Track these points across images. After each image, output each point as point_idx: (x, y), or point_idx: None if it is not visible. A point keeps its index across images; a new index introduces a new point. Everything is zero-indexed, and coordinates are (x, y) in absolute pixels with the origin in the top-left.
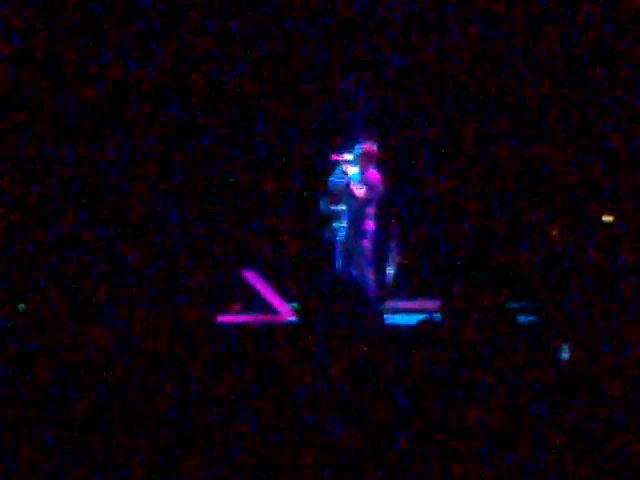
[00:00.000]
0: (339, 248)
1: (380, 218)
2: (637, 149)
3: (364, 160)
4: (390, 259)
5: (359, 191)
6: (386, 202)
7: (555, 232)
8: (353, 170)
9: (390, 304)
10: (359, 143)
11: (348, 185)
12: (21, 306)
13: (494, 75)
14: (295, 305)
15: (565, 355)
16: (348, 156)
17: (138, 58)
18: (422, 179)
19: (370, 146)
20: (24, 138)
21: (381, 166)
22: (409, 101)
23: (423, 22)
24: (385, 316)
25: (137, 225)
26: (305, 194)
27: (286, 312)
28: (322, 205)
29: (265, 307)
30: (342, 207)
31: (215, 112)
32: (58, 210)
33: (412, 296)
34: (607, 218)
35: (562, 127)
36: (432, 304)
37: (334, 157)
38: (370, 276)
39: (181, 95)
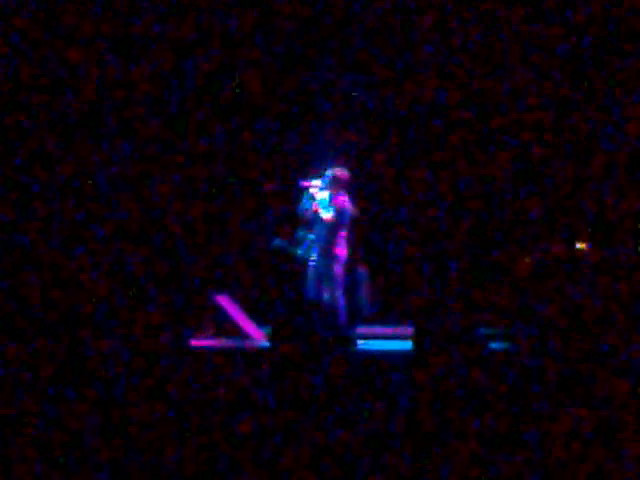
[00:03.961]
0: (310, 273)
1: (351, 243)
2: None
3: (335, 185)
4: (362, 285)
5: (326, 215)
6: (356, 227)
7: (527, 260)
8: (321, 195)
9: (362, 330)
10: (330, 168)
11: (316, 210)
12: None
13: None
14: (267, 330)
15: None
16: (316, 182)
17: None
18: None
19: (341, 171)
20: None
21: (352, 191)
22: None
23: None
24: (357, 342)
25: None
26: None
27: (259, 337)
28: (300, 233)
29: (238, 332)
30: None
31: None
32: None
33: (384, 322)
34: (580, 245)
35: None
36: (405, 330)
37: (303, 184)
38: (341, 301)
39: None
